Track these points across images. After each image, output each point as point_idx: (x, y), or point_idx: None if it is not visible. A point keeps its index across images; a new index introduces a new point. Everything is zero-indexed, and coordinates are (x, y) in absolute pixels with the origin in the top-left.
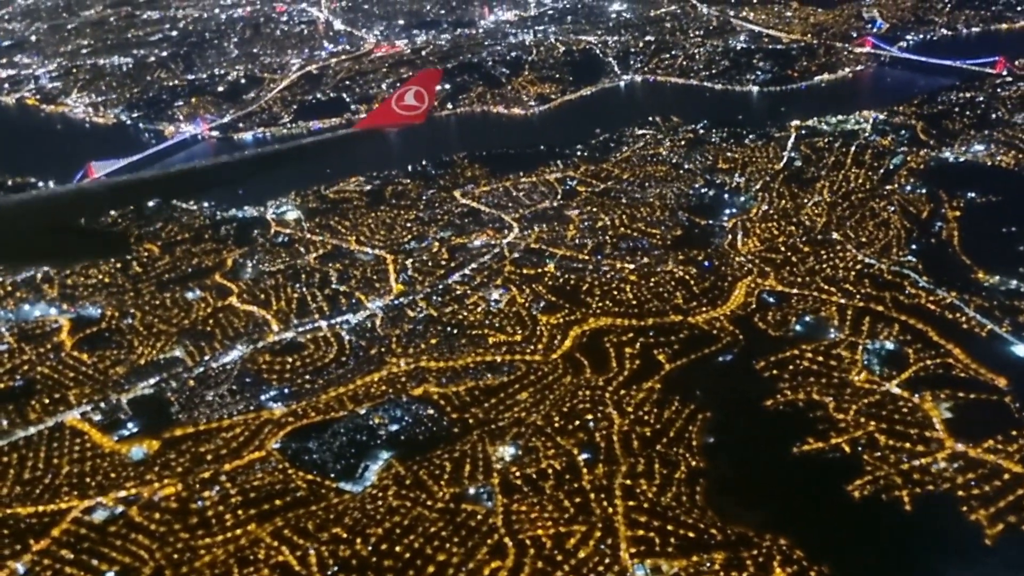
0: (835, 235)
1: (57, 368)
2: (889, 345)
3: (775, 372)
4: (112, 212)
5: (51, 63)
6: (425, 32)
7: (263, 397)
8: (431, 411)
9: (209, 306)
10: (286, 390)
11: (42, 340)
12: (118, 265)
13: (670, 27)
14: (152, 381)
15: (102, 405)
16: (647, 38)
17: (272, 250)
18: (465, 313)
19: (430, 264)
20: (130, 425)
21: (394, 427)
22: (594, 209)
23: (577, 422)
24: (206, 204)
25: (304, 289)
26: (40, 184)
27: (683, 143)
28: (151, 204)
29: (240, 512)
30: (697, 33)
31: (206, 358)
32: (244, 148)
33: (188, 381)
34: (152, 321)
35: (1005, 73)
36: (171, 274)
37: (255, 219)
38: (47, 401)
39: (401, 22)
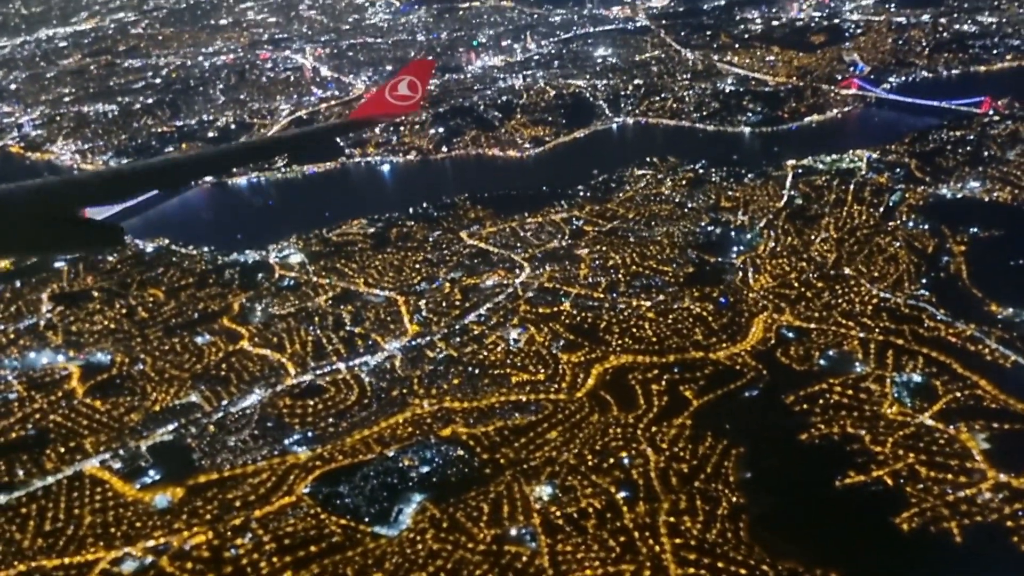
0: (847, 270)
1: (70, 416)
2: (916, 378)
3: (805, 406)
4: (111, 258)
5: (33, 111)
6: None
7: (287, 441)
8: (461, 452)
9: (220, 350)
10: (310, 433)
11: (52, 388)
12: (123, 311)
13: (657, 71)
14: (171, 427)
15: (121, 453)
16: (636, 81)
17: (279, 294)
18: (485, 353)
19: (444, 305)
20: (152, 472)
21: (425, 468)
22: (603, 248)
23: (611, 460)
24: (206, 249)
25: (318, 331)
26: None
27: (684, 182)
28: (150, 249)
29: (275, 559)
30: (684, 76)
31: (224, 403)
32: (239, 192)
33: (208, 426)
34: (164, 367)
35: (991, 112)
36: (178, 319)
37: (258, 263)
38: (63, 450)
39: (389, 68)
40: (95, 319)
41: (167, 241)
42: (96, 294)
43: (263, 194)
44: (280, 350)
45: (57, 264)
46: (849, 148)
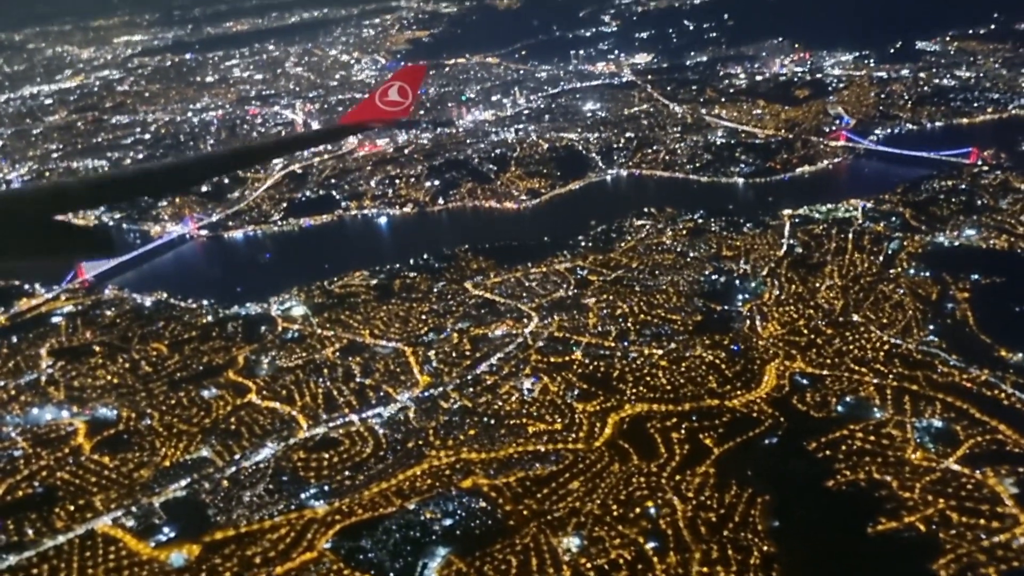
0: (856, 317)
1: (78, 473)
2: (937, 423)
3: (828, 452)
4: (109, 312)
5: (21, 167)
6: (405, 131)
7: (303, 495)
8: (483, 503)
9: (228, 404)
10: (326, 487)
11: (58, 444)
12: (126, 365)
13: (647, 124)
14: (183, 483)
15: (134, 510)
16: (627, 134)
17: (284, 346)
18: (500, 403)
19: (454, 355)
20: (166, 529)
21: (448, 521)
22: (610, 297)
23: (637, 510)
24: (206, 302)
25: (328, 383)
26: (27, 287)
27: (684, 232)
28: (149, 302)
29: None
30: (675, 129)
31: (236, 457)
32: (235, 246)
33: (221, 481)
34: (172, 421)
35: (980, 162)
36: (182, 373)
37: (260, 316)
38: (72, 508)
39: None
40: (97, 374)
41: (165, 295)
42: (97, 348)
43: (260, 247)
44: (290, 403)
45: (54, 319)
46: (843, 198)
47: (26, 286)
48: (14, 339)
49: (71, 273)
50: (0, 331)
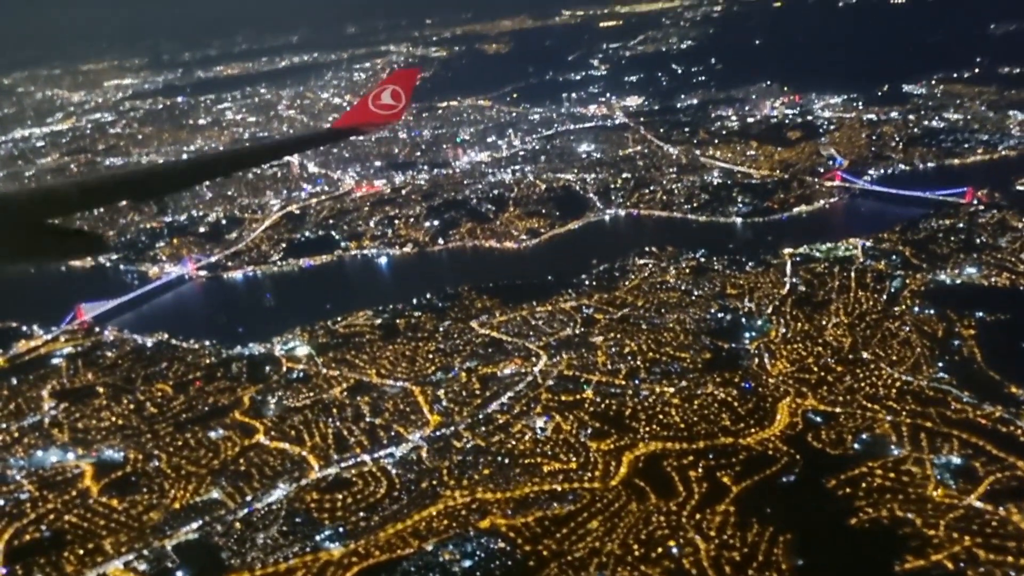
0: (865, 354)
1: (86, 516)
2: (956, 459)
3: (848, 490)
4: (110, 353)
5: None
6: (402, 173)
7: (318, 537)
8: (502, 544)
9: (236, 445)
10: (341, 528)
11: (65, 487)
12: (131, 407)
13: (643, 165)
14: (195, 525)
15: (146, 553)
16: (624, 175)
17: (290, 386)
18: (513, 442)
19: (464, 394)
20: (180, 573)
21: (467, 563)
22: (618, 335)
23: (659, 549)
24: (208, 342)
25: (338, 423)
26: (25, 328)
27: (688, 271)
28: (150, 343)
29: None
30: (670, 170)
31: (248, 499)
32: (235, 286)
33: (234, 524)
34: (180, 463)
35: (975, 202)
36: (188, 414)
37: (264, 356)
38: (82, 552)
39: (378, 163)
40: (102, 415)
41: (166, 335)
42: (101, 390)
43: (260, 287)
44: (299, 443)
45: (55, 360)
46: (842, 237)
47: (24, 327)
48: (14, 381)
49: (71, 315)
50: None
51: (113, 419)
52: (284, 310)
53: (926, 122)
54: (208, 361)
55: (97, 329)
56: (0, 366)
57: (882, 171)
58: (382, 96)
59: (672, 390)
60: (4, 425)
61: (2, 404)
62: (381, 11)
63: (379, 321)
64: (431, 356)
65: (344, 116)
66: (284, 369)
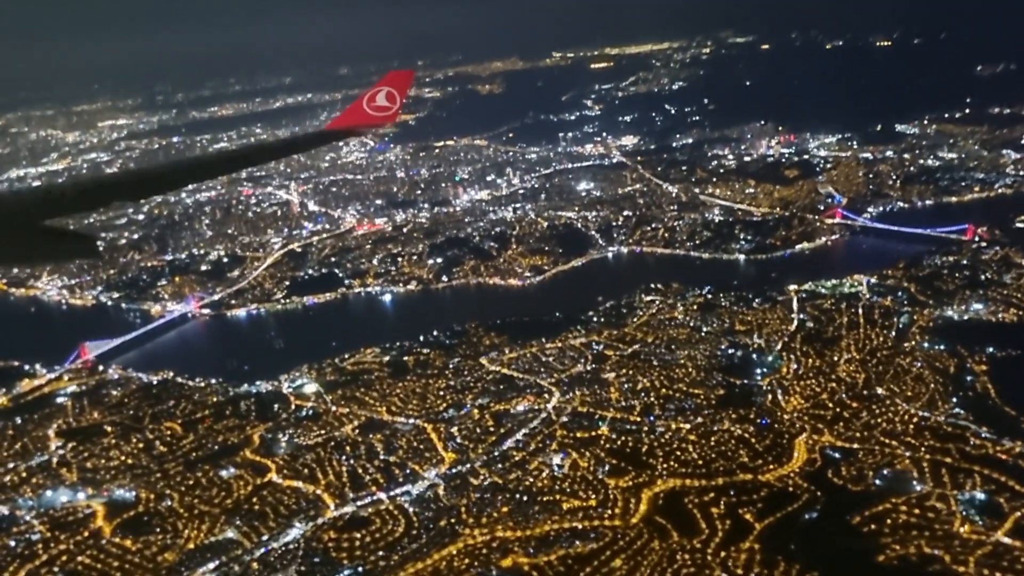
0: (880, 390)
1: (100, 557)
2: (980, 495)
3: (873, 526)
4: (115, 392)
5: None
6: (403, 211)
7: None
8: None
9: (249, 483)
10: (360, 568)
11: (77, 528)
12: (140, 445)
13: (643, 203)
14: (211, 566)
15: None
16: (625, 212)
17: (300, 424)
18: (531, 479)
19: (478, 431)
20: None
21: None
22: (629, 372)
23: None
24: (214, 380)
25: (352, 461)
26: (28, 367)
27: (695, 307)
28: (155, 381)
29: None
30: (671, 208)
31: (264, 538)
32: (238, 324)
33: (251, 564)
34: (192, 502)
35: (977, 239)
36: (198, 452)
37: (272, 394)
38: None
39: (379, 202)
40: (111, 454)
41: (172, 373)
42: (109, 428)
43: (264, 325)
44: (313, 481)
45: (59, 399)
46: (845, 273)
47: (26, 366)
48: (18, 420)
49: (75, 353)
50: (3, 412)
51: (122, 458)
52: (290, 348)
53: (921, 161)
54: (215, 399)
55: (101, 367)
56: (3, 405)
57: (881, 208)
58: (377, 98)
59: (688, 426)
60: (11, 465)
61: (7, 444)
62: (372, 53)
63: (388, 358)
64: (442, 393)
65: (339, 117)
66: (293, 407)
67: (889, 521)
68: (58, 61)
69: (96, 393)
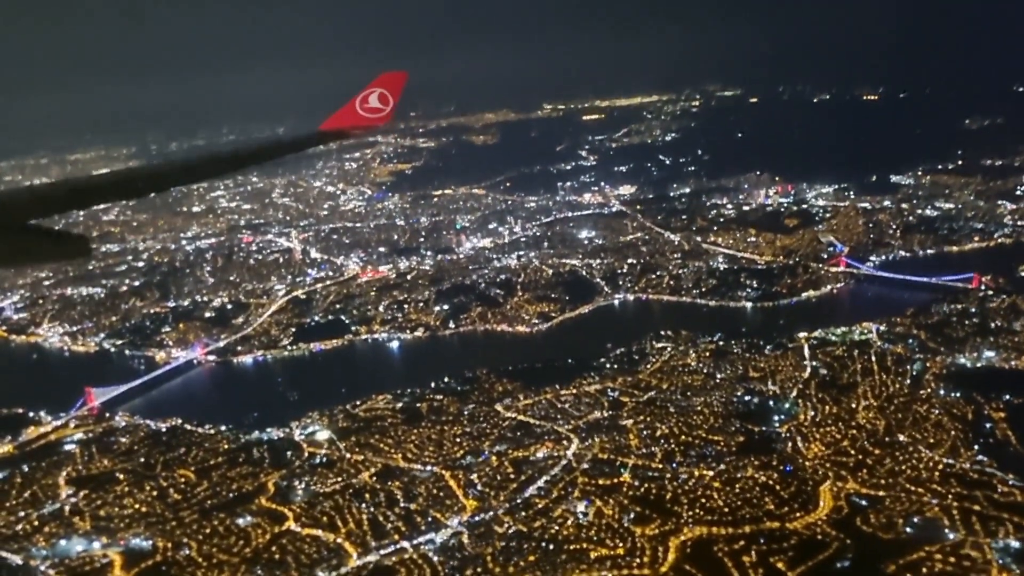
0: (902, 437)
1: None
2: (1014, 543)
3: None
4: (124, 439)
5: (13, 294)
6: (406, 258)
7: None
8: None
9: (267, 532)
10: None
11: None
12: (154, 493)
13: (646, 251)
14: None
15: None
16: (629, 260)
17: (315, 471)
18: (556, 527)
19: (498, 478)
20: None
21: None
22: (647, 418)
23: None
24: (224, 427)
25: (372, 509)
26: (32, 414)
27: (708, 354)
28: (164, 428)
29: None
30: (675, 256)
31: None
32: (244, 370)
33: None
34: (211, 551)
35: (983, 287)
36: (213, 500)
37: (284, 441)
38: None
39: (381, 249)
40: (124, 502)
41: (180, 420)
42: (121, 476)
43: (270, 372)
44: (333, 530)
45: (67, 446)
46: (854, 321)
47: (30, 413)
48: (25, 468)
49: (81, 400)
50: (10, 460)
51: (136, 506)
52: (299, 394)
53: (919, 211)
54: (226, 446)
55: (107, 414)
56: (9, 453)
57: (884, 257)
58: (369, 99)
59: (711, 473)
60: (22, 513)
61: (16, 492)
62: None
63: (400, 404)
64: (458, 440)
65: (331, 119)
66: (306, 454)
67: (925, 570)
68: (50, 111)
69: (104, 440)
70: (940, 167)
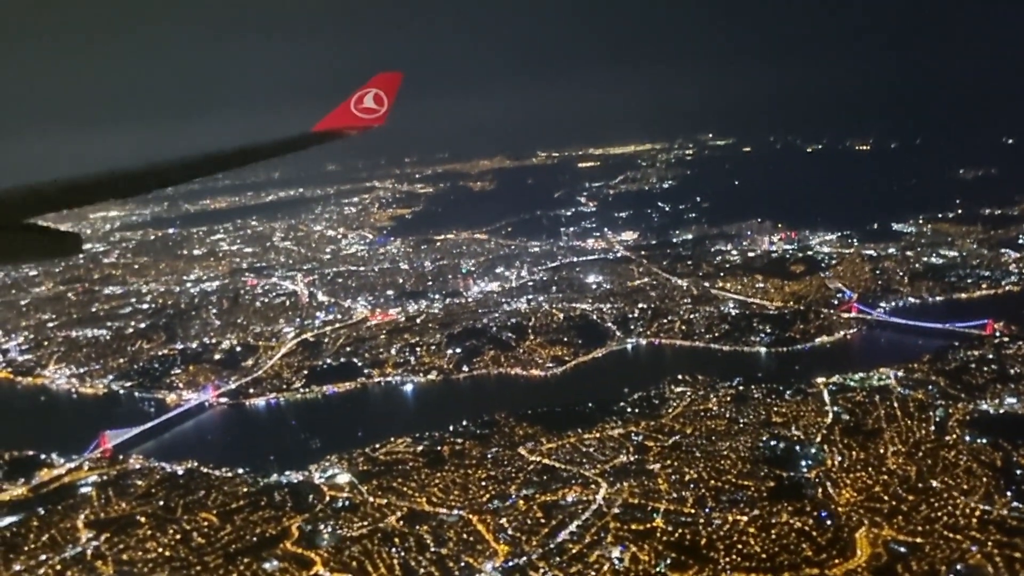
0: (934, 483)
1: None
2: None
3: None
4: (140, 481)
5: (17, 336)
6: (414, 302)
7: None
8: None
9: None
10: None
11: None
12: (177, 536)
13: (655, 295)
14: None
15: None
16: (640, 305)
17: (339, 515)
18: (593, 573)
19: (528, 523)
20: None
21: None
22: (675, 463)
23: None
24: (241, 470)
25: (403, 553)
26: (44, 456)
27: (728, 399)
28: (180, 471)
29: None
30: (685, 301)
31: None
32: (257, 413)
33: None
34: None
35: (997, 334)
36: (237, 544)
37: (304, 484)
38: None
39: (389, 293)
40: (147, 546)
41: (195, 463)
42: (143, 519)
43: (283, 414)
44: (364, 575)
45: (83, 489)
46: (870, 366)
47: (42, 456)
48: (41, 511)
49: (94, 443)
50: (24, 503)
51: (160, 550)
52: (315, 437)
53: (925, 258)
54: (245, 489)
55: (120, 457)
56: (24, 495)
57: (893, 303)
58: (364, 100)
59: (745, 519)
60: (43, 557)
61: (35, 535)
62: (357, 150)
63: (420, 448)
64: (484, 483)
65: (326, 119)
66: (327, 498)
67: None
68: (43, 154)
69: (120, 483)
70: (940, 216)
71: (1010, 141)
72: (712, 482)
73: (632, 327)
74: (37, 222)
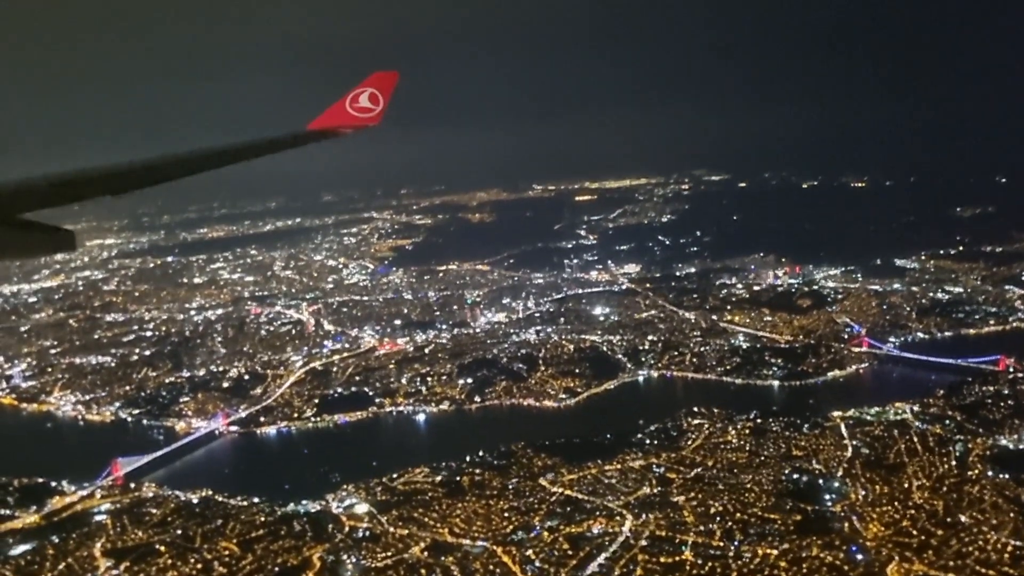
0: (963, 518)
1: None
2: None
3: None
4: (154, 510)
5: (20, 362)
6: (422, 332)
7: None
8: None
9: None
10: None
11: None
12: (199, 566)
13: (664, 328)
14: None
15: None
16: (650, 337)
17: (360, 545)
18: None
19: (556, 555)
20: None
21: None
22: (699, 495)
23: None
24: (256, 499)
25: None
26: (55, 484)
27: (747, 432)
28: (195, 499)
29: None
30: (694, 334)
31: None
32: (268, 442)
33: None
34: None
35: (1011, 369)
36: (260, 574)
37: (322, 514)
38: None
39: (396, 322)
40: (169, 575)
41: (210, 491)
42: (162, 548)
43: (296, 443)
44: None
45: (97, 517)
46: (883, 401)
47: (53, 483)
48: (55, 539)
49: (107, 470)
50: (37, 531)
51: None
52: (329, 466)
53: (931, 294)
54: (263, 518)
55: (132, 485)
56: (36, 523)
57: (903, 338)
58: (360, 98)
59: (775, 552)
60: None
61: (51, 564)
62: (353, 181)
63: (439, 478)
64: (507, 514)
65: (320, 118)
66: (347, 528)
67: None
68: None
69: (135, 511)
70: (942, 252)
71: (1004, 180)
72: (738, 515)
73: (643, 359)
74: (32, 218)
